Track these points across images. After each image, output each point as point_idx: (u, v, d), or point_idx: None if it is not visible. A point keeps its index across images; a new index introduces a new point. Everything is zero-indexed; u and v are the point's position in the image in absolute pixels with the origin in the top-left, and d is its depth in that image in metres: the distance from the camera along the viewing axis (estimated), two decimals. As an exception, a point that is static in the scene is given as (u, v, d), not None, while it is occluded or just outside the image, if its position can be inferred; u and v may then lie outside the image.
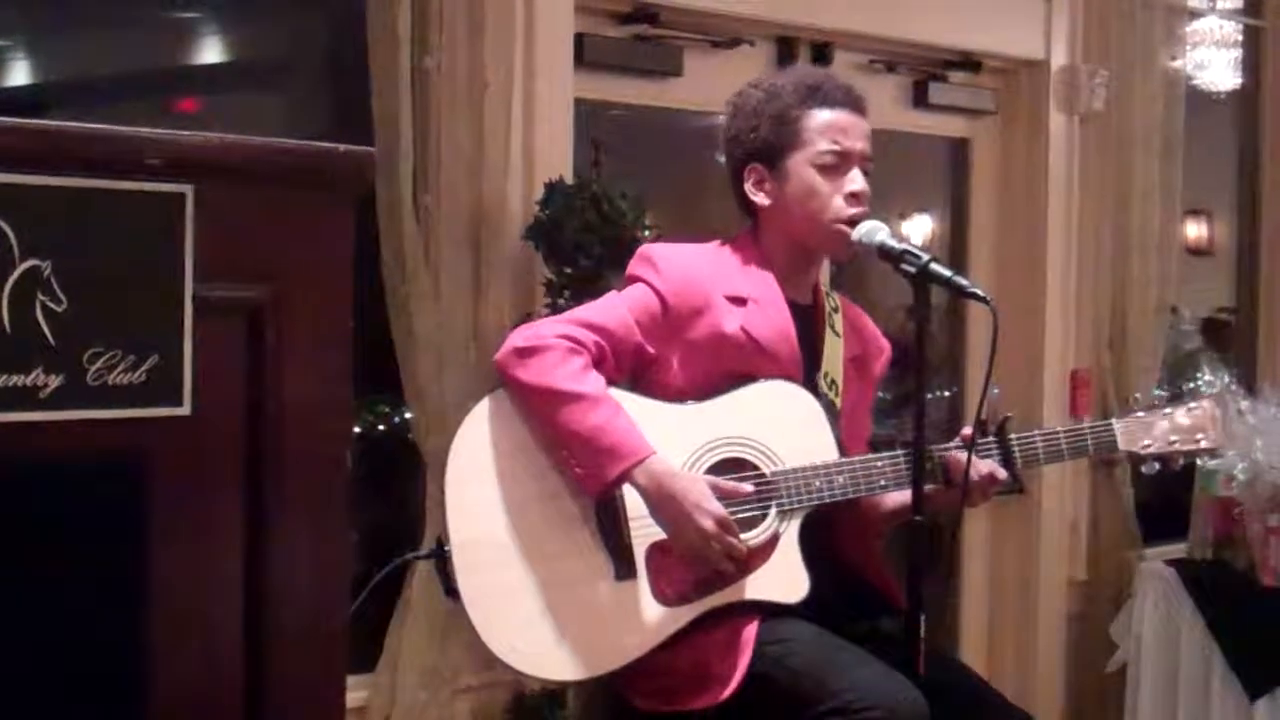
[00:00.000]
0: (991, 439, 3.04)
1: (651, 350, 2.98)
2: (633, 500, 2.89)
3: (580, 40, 4.27)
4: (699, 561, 2.88)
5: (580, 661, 2.88)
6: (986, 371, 2.80)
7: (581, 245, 3.87)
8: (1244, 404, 4.83)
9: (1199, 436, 3.20)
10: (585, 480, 2.86)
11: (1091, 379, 5.57)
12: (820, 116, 3.05)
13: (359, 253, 1.82)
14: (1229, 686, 4.88)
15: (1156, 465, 3.21)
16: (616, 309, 2.99)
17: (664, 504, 2.86)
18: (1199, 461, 4.72)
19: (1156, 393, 5.36)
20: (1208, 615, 4.99)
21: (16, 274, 1.56)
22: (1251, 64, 6.46)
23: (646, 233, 3.93)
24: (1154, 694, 5.13)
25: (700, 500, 2.85)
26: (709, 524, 2.84)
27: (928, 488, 2.85)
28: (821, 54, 4.93)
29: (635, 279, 3.04)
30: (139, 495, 1.65)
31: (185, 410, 1.66)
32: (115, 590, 1.64)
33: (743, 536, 2.90)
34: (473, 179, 3.90)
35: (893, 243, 2.91)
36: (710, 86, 4.32)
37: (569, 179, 4.02)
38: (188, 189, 1.65)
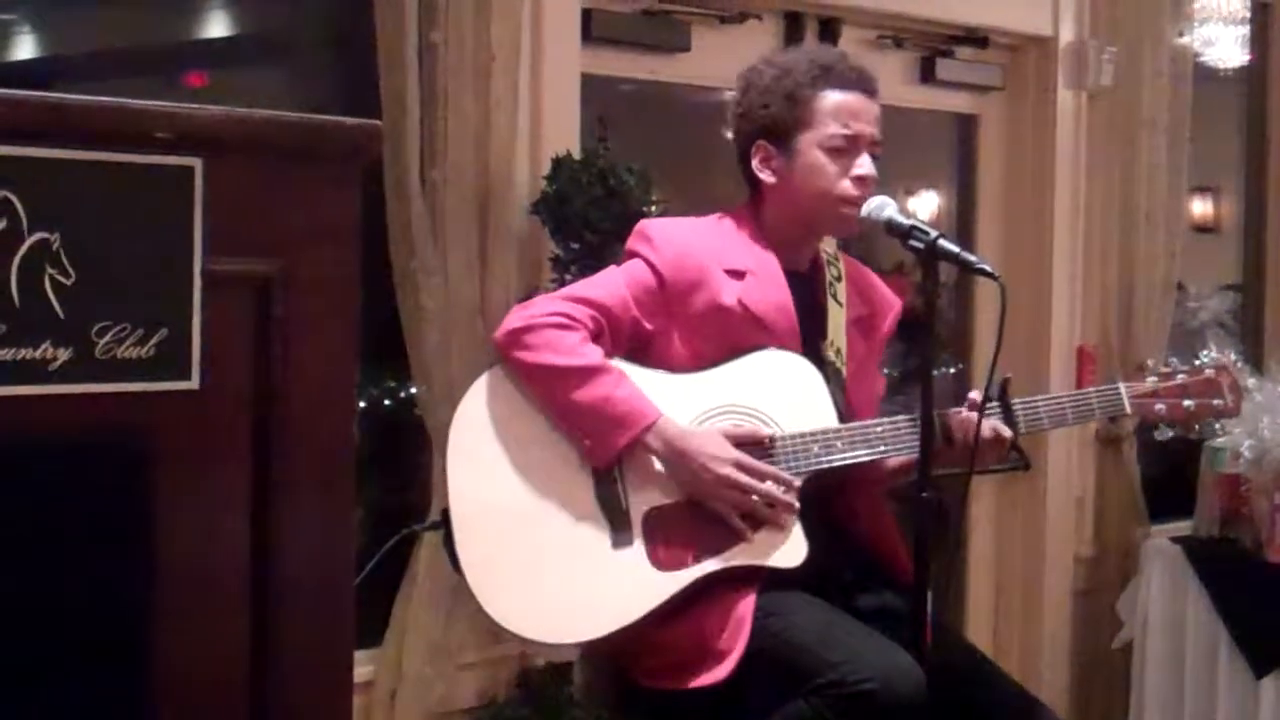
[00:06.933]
0: (995, 402, 3.04)
1: (649, 325, 2.98)
2: (630, 466, 2.91)
3: (588, 15, 4.26)
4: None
5: (575, 626, 2.89)
6: (995, 347, 2.79)
7: (588, 220, 3.86)
8: (1250, 381, 4.81)
9: (1215, 400, 3.17)
10: (594, 451, 2.87)
11: (1098, 355, 5.56)
12: (832, 98, 3.04)
13: (367, 228, 1.82)
14: (1235, 663, 4.87)
15: (1170, 431, 3.18)
16: (613, 284, 3.00)
17: (679, 464, 2.87)
18: (1208, 432, 4.72)
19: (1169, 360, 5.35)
20: (1214, 592, 4.98)
21: (25, 247, 1.56)
22: (1259, 40, 6.43)
23: (653, 208, 3.93)
24: (1160, 671, 5.12)
25: (716, 451, 2.87)
26: (727, 470, 2.85)
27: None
28: (829, 29, 4.91)
29: (633, 254, 3.05)
30: (146, 468, 1.65)
31: (193, 384, 1.66)
32: (122, 563, 1.64)
33: None
34: (479, 154, 3.89)
35: (900, 218, 2.92)
36: (718, 62, 4.31)
37: (576, 154, 4.01)
38: (196, 162, 1.65)
